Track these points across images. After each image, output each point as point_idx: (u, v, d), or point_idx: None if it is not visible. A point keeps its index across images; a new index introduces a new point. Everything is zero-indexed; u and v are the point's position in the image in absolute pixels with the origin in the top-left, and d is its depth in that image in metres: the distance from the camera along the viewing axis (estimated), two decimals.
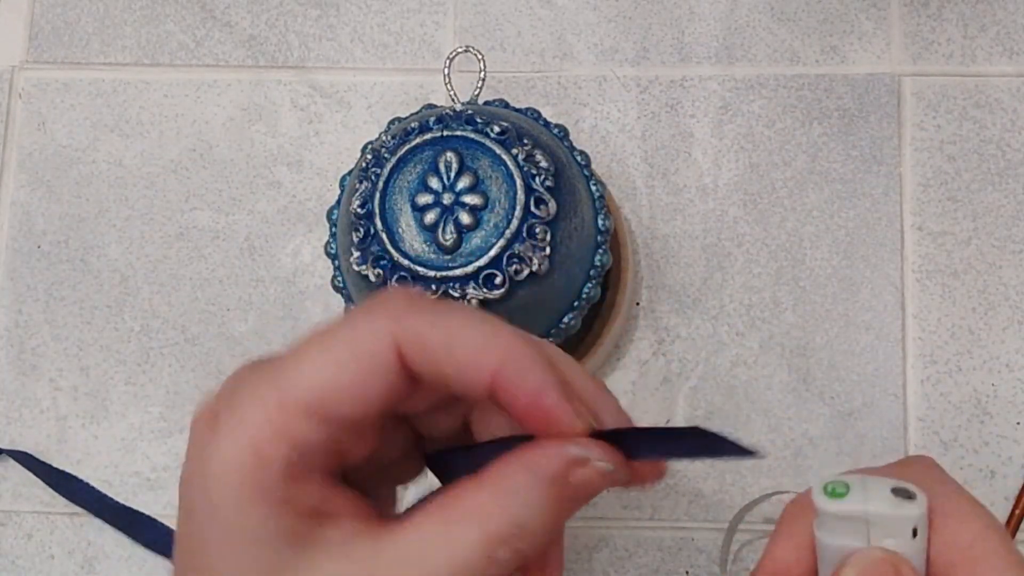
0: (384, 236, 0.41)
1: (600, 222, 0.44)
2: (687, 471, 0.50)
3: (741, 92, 0.53)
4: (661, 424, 0.51)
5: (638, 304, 0.52)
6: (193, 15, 0.56)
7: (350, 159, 0.54)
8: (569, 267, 0.42)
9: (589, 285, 0.43)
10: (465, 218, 0.40)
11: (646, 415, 0.51)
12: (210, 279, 0.54)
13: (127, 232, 0.55)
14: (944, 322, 0.51)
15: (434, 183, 0.41)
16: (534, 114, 0.45)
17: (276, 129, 0.55)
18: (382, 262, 0.41)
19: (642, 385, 0.51)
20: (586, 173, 0.45)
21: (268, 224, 0.54)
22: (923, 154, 0.52)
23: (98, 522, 0.52)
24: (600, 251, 0.44)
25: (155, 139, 0.55)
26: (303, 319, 0.53)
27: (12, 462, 0.53)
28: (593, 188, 0.44)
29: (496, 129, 0.41)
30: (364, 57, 0.55)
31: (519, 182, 0.40)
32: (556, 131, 0.45)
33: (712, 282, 0.52)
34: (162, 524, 0.51)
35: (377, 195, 0.41)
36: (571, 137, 0.45)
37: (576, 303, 0.43)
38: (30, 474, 0.52)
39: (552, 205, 0.41)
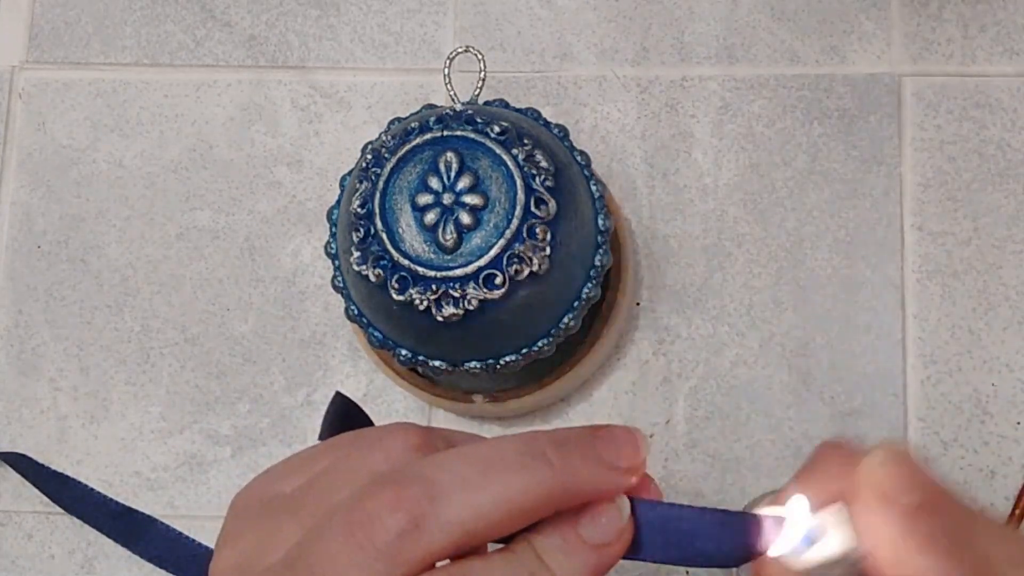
0: (384, 236, 0.41)
1: (600, 222, 0.44)
2: (686, 471, 0.50)
3: (741, 92, 0.53)
4: (661, 424, 0.51)
5: (638, 304, 0.52)
6: (193, 15, 0.56)
7: (350, 159, 0.54)
8: (569, 267, 0.42)
9: (589, 285, 0.43)
10: (465, 218, 0.40)
11: (646, 415, 0.51)
12: (210, 279, 0.54)
13: (127, 232, 0.55)
14: (944, 322, 0.51)
15: (434, 183, 0.41)
16: (534, 114, 0.45)
17: (276, 129, 0.55)
18: (382, 262, 0.41)
19: (642, 385, 0.51)
20: (586, 173, 0.45)
21: (268, 224, 0.54)
22: (923, 154, 0.52)
23: None
24: (600, 251, 0.44)
25: (155, 139, 0.55)
26: (303, 319, 0.53)
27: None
28: (593, 188, 0.44)
29: (496, 129, 0.41)
30: (364, 57, 0.55)
31: (519, 182, 0.40)
32: (556, 131, 0.45)
33: (712, 282, 0.52)
34: (161, 523, 0.51)
35: (377, 195, 0.41)
36: (571, 137, 0.45)
37: (576, 303, 0.43)
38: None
39: (552, 205, 0.41)
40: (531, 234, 0.40)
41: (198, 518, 0.52)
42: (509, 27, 0.55)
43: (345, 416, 0.38)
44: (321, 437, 0.41)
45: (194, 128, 0.55)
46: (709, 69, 0.54)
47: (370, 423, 0.39)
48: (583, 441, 0.29)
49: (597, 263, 0.43)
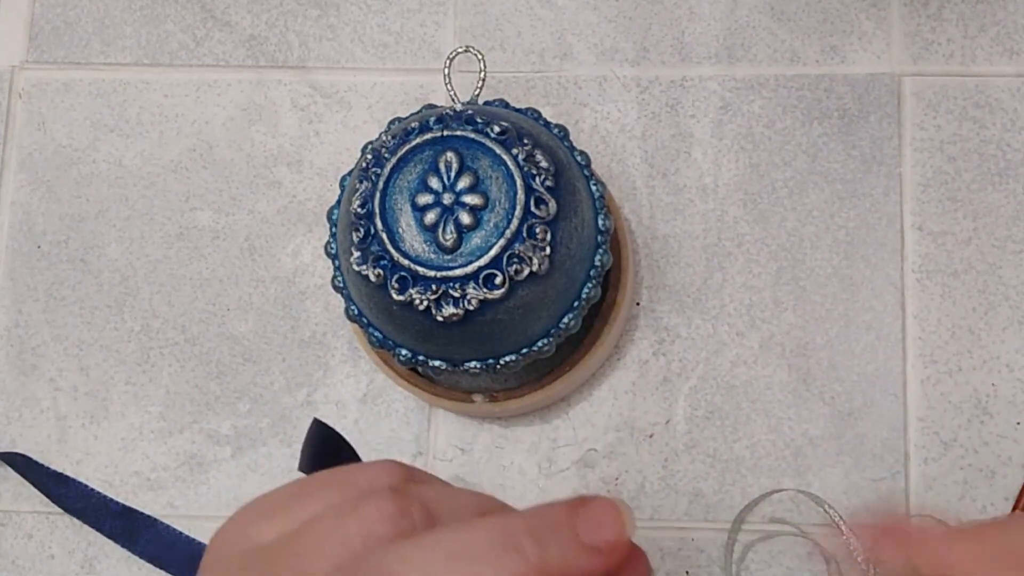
0: (384, 236, 0.41)
1: (600, 222, 0.44)
2: (686, 471, 0.50)
3: (741, 92, 0.53)
4: (661, 424, 0.51)
5: (638, 304, 0.52)
6: (193, 15, 0.56)
7: (350, 159, 0.54)
8: (569, 267, 0.42)
9: (589, 285, 0.43)
10: (465, 218, 0.40)
11: (646, 415, 0.51)
12: (210, 279, 0.54)
13: (127, 232, 0.55)
14: (944, 322, 0.51)
15: (434, 183, 0.41)
16: (534, 114, 0.45)
17: (276, 129, 0.55)
18: (382, 262, 0.41)
19: (642, 385, 0.51)
20: (586, 173, 0.45)
21: (268, 224, 0.54)
22: (923, 154, 0.52)
23: None
24: (600, 251, 0.44)
25: (155, 139, 0.55)
26: (303, 319, 0.53)
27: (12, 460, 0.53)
28: (593, 188, 0.44)
29: (496, 129, 0.41)
30: (364, 57, 0.55)
31: (519, 182, 0.40)
32: (556, 131, 0.45)
33: (712, 282, 0.52)
34: (161, 523, 0.51)
35: (377, 195, 0.41)
36: (571, 137, 0.45)
37: (576, 303, 0.43)
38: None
39: (552, 205, 0.41)
40: (531, 234, 0.40)
41: (198, 518, 0.52)
42: (509, 27, 0.55)
43: (325, 445, 0.37)
44: (301, 467, 0.40)
45: (194, 128, 0.55)
46: (709, 69, 0.54)
47: (351, 450, 0.39)
48: (560, 524, 0.28)
49: (597, 263, 0.43)
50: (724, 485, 0.50)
